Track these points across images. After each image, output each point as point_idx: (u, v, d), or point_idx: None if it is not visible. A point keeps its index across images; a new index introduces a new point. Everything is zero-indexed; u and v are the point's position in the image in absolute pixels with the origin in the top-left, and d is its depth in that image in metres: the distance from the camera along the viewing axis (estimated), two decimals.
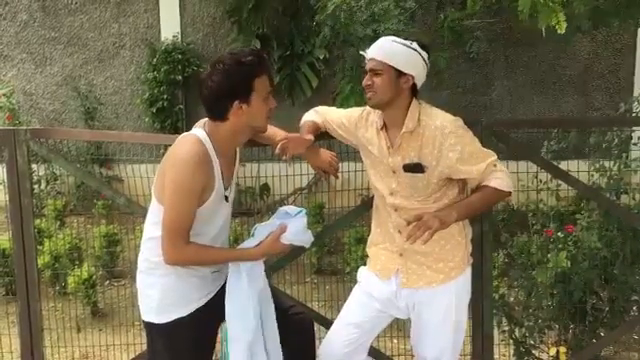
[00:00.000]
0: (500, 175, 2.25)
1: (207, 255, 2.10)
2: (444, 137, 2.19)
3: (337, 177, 2.49)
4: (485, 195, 2.27)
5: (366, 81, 2.23)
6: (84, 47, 7.25)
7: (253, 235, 2.18)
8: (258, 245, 2.13)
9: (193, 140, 2.04)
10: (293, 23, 6.65)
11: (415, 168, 2.23)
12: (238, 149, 2.24)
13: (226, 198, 2.13)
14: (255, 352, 2.14)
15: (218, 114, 2.04)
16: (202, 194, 2.03)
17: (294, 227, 2.17)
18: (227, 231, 2.25)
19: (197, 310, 2.13)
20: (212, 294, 2.20)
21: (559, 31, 2.62)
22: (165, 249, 2.03)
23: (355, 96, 5.11)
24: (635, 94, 6.77)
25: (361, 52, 2.32)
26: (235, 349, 2.14)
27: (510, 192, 2.29)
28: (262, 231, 2.16)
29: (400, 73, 2.20)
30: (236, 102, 2.00)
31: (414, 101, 2.26)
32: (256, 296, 2.15)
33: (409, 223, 2.22)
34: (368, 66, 2.24)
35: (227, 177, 2.13)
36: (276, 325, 2.20)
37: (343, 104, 5.02)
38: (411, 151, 2.23)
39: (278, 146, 2.34)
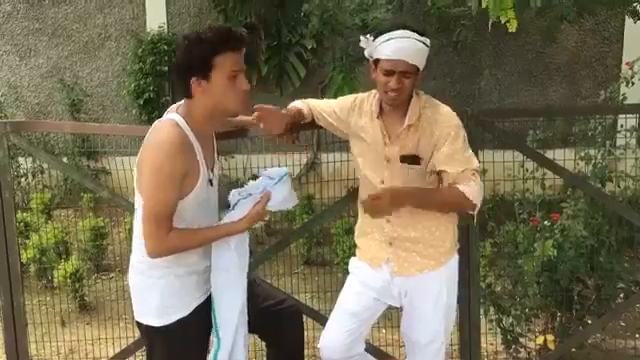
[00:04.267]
0: (473, 185, 2.21)
1: (192, 238, 2.00)
2: (442, 130, 2.20)
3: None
4: (451, 196, 2.22)
5: (396, 84, 2.16)
6: (69, 38, 7.16)
7: (234, 208, 2.09)
8: (243, 217, 2.06)
9: (170, 124, 1.98)
10: (280, 13, 6.60)
11: (412, 160, 2.23)
12: (214, 135, 2.18)
13: (210, 182, 2.07)
14: (238, 336, 2.10)
15: (183, 90, 2.01)
16: (187, 181, 1.96)
17: (279, 194, 2.08)
18: (217, 218, 2.17)
19: (197, 308, 2.09)
20: (209, 291, 2.15)
21: (510, 30, 2.57)
22: (147, 241, 1.95)
23: (348, 86, 5.05)
24: (622, 82, 6.80)
25: (362, 41, 2.23)
26: (226, 331, 2.08)
27: (475, 205, 2.22)
28: (245, 203, 2.08)
29: (418, 71, 2.20)
30: (194, 78, 1.96)
31: (414, 93, 2.26)
32: (245, 270, 2.09)
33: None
34: (397, 68, 2.15)
35: (209, 160, 2.07)
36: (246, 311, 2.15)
37: (337, 95, 4.99)
38: (409, 142, 2.23)
39: (254, 114, 2.36)
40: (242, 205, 2.07)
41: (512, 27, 2.53)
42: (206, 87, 1.97)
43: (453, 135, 2.20)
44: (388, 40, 2.16)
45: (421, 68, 2.20)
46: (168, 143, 1.92)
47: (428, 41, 2.20)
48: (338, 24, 4.55)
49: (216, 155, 2.18)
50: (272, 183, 2.10)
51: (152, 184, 1.93)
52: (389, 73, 2.17)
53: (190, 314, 2.07)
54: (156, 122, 2.04)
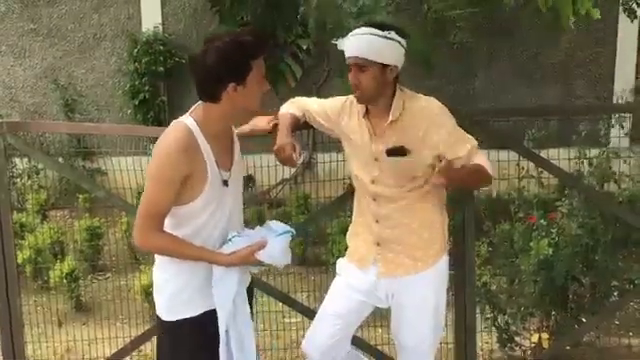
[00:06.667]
0: (484, 159, 2.23)
1: (175, 248, 2.03)
2: (430, 119, 2.20)
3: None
4: (480, 169, 2.20)
5: (353, 79, 2.19)
6: (64, 39, 7.15)
7: (230, 241, 2.07)
8: (231, 253, 2.04)
9: (179, 127, 1.99)
10: (276, 13, 6.61)
11: (398, 151, 2.22)
12: (234, 129, 2.17)
13: (225, 183, 2.04)
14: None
15: (211, 95, 1.97)
16: (192, 183, 1.96)
17: (274, 247, 2.05)
18: (238, 218, 2.16)
19: (207, 313, 2.07)
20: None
21: (595, 17, 2.62)
22: (134, 232, 2.02)
23: (347, 88, 5.05)
24: (616, 82, 6.85)
25: (336, 43, 2.26)
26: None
27: (491, 178, 2.26)
28: (240, 241, 2.06)
29: (384, 66, 2.19)
30: (232, 84, 1.94)
31: (397, 89, 2.26)
32: (229, 300, 2.07)
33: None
34: (351, 62, 2.20)
35: (224, 161, 2.06)
36: (252, 334, 2.13)
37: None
38: (393, 136, 2.23)
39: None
40: (236, 242, 2.06)
41: (595, 15, 2.61)
42: (240, 92, 1.96)
43: (441, 123, 2.20)
44: (348, 38, 2.21)
45: (386, 62, 2.17)
46: (169, 146, 1.94)
47: (393, 35, 2.17)
48: (342, 27, 4.54)
49: (236, 155, 2.15)
50: (272, 235, 2.09)
51: (149, 182, 1.97)
52: (349, 69, 2.21)
53: (197, 317, 2.06)
54: (172, 123, 2.05)
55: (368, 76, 2.17)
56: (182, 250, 2.03)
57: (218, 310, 2.06)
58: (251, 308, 2.29)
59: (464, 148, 2.21)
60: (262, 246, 2.05)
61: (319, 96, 2.60)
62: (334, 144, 2.62)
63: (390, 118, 2.22)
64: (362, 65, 2.17)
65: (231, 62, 1.92)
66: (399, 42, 2.20)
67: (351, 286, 2.41)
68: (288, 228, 2.12)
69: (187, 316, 2.07)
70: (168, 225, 2.03)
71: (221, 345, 2.07)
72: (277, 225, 2.13)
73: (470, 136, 2.27)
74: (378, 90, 2.21)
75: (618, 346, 3.53)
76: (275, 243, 2.07)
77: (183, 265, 2.05)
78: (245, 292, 2.14)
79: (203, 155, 1.98)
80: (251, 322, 2.14)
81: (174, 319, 2.08)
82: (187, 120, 2.01)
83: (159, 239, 2.00)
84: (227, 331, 2.08)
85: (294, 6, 5.61)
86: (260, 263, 2.08)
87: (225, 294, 2.06)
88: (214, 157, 2.01)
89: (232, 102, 1.97)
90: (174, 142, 1.95)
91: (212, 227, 2.05)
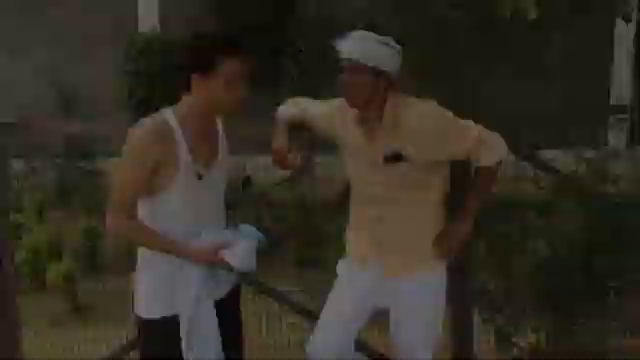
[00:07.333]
0: (489, 150, 2.24)
1: (142, 236, 2.04)
2: (425, 125, 2.19)
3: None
4: (482, 179, 2.31)
5: (345, 82, 2.18)
6: (61, 38, 7.13)
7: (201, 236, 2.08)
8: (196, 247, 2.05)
9: (155, 116, 2.05)
10: (275, 14, 6.61)
11: (395, 158, 2.22)
12: (220, 126, 2.19)
13: (199, 176, 2.05)
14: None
15: (184, 84, 2.05)
16: (164, 172, 1.98)
17: (240, 247, 2.05)
18: (218, 216, 2.17)
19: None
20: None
21: (530, 17, 2.61)
22: (106, 217, 2.04)
23: None
24: (613, 82, 6.87)
25: (334, 44, 2.25)
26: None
27: (500, 161, 2.28)
28: (206, 236, 2.07)
29: (378, 71, 2.17)
30: (194, 75, 2.00)
31: (390, 95, 2.24)
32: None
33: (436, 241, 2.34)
34: (345, 64, 2.19)
35: (203, 156, 2.07)
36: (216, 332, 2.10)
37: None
38: (389, 142, 2.23)
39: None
40: (205, 236, 2.07)
41: (531, 13, 2.61)
42: (203, 86, 2.00)
43: (437, 126, 2.19)
44: (345, 40, 2.21)
45: (380, 67, 2.16)
46: (141, 131, 1.99)
47: (392, 42, 2.18)
48: (341, 27, 4.54)
49: (221, 152, 2.16)
50: (239, 236, 2.10)
51: (120, 170, 2.01)
52: (342, 71, 2.20)
53: (174, 316, 2.07)
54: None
55: (360, 79, 2.16)
56: (147, 240, 2.05)
57: (179, 308, 2.05)
58: (238, 309, 2.29)
59: (464, 147, 2.22)
60: (228, 245, 2.06)
61: (316, 97, 2.60)
62: (332, 144, 2.62)
63: (383, 124, 2.22)
64: (355, 68, 2.16)
65: (195, 52, 1.99)
66: (395, 49, 2.19)
67: (353, 286, 2.42)
68: (257, 233, 2.13)
69: (164, 314, 2.07)
70: (143, 220, 2.04)
71: (183, 345, 2.05)
72: (247, 228, 2.14)
73: (469, 125, 2.25)
74: (369, 95, 2.19)
75: (615, 347, 3.53)
76: (242, 243, 2.06)
77: (161, 264, 2.05)
78: (212, 301, 2.10)
79: (176, 143, 2.00)
80: (218, 334, 2.09)
81: (151, 317, 2.09)
82: (166, 111, 2.06)
83: (129, 225, 2.02)
84: (189, 336, 2.05)
85: (292, 7, 5.63)
86: (226, 265, 2.06)
87: (186, 290, 2.05)
88: (190, 148, 2.02)
89: (199, 94, 2.02)
90: (146, 127, 1.99)
91: (185, 226, 2.05)
